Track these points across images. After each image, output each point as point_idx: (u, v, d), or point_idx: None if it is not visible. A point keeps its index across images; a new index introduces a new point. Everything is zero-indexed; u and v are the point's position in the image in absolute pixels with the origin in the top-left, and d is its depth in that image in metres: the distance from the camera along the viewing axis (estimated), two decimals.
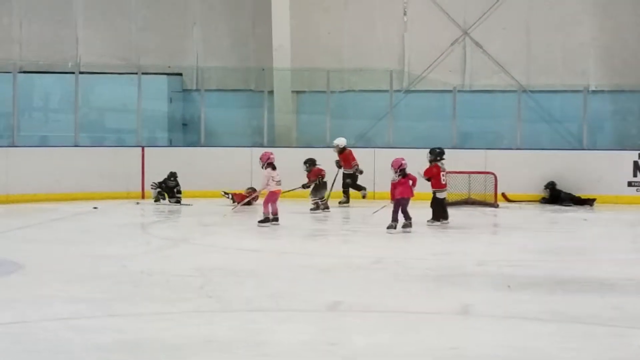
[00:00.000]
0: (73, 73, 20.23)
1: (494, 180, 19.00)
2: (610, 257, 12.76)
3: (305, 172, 17.71)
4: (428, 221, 15.40)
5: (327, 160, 18.43)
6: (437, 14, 22.39)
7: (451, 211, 18.06)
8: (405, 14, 22.62)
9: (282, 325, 8.24)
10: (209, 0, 22.86)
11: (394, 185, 14.76)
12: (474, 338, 7.83)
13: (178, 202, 18.28)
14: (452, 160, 19.31)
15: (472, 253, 12.88)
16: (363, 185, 18.80)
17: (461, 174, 19.07)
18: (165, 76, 22.03)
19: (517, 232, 15.55)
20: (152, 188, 18.60)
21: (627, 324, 8.33)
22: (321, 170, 17.73)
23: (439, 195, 15.62)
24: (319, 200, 17.40)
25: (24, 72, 21.30)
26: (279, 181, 15.20)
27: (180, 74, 22.57)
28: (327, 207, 17.53)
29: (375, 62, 22.10)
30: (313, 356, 7.21)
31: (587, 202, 19.24)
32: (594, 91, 21.47)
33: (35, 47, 22.38)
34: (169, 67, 22.27)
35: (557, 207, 19.09)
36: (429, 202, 15.68)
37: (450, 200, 18.81)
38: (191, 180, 18.67)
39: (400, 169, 14.70)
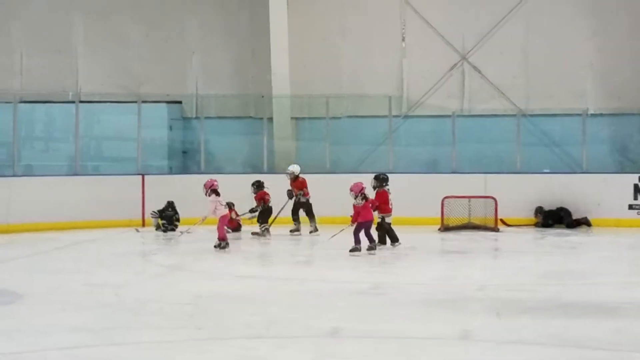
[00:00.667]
0: (73, 102, 20.30)
1: (494, 205, 19.01)
2: (611, 280, 12.74)
3: (253, 195, 17.89)
4: (373, 245, 15.23)
5: (324, 185, 18.52)
6: (435, 39, 22.48)
7: (452, 235, 18.16)
8: (403, 40, 22.71)
9: (280, 352, 8.24)
10: (208, 28, 22.98)
11: (357, 209, 14.91)
12: None
13: (174, 230, 18.37)
14: (452, 184, 19.43)
15: (473, 277, 12.87)
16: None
17: (461, 199, 19.09)
18: (165, 104, 22.09)
19: (518, 256, 15.54)
20: (152, 216, 18.63)
21: (629, 347, 8.33)
22: (266, 194, 17.83)
23: (388, 219, 15.82)
24: (263, 227, 17.56)
25: (25, 102, 21.36)
26: (225, 205, 15.70)
27: (180, 102, 22.63)
28: (269, 233, 17.60)
29: (374, 88, 22.17)
30: None
31: (583, 221, 19.31)
32: (592, 114, 21.51)
33: (36, 77, 22.47)
34: (169, 95, 22.34)
35: (558, 230, 19.08)
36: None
37: (450, 225, 18.87)
38: (191, 208, 18.64)
39: (361, 193, 14.93)
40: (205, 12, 22.91)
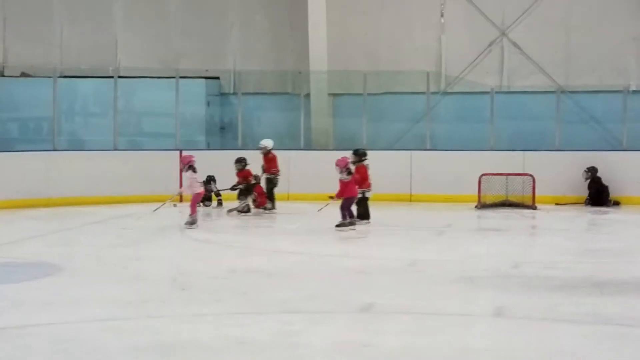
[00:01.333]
0: (112, 77, 20.42)
1: (532, 182, 18.89)
2: None
3: (236, 171, 17.75)
4: (351, 220, 15.22)
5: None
6: (475, 15, 22.31)
7: (489, 213, 18.08)
8: (442, 15, 22.56)
9: (315, 327, 8.26)
10: (247, 4, 22.96)
11: (344, 185, 14.95)
12: (508, 340, 7.80)
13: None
14: (490, 162, 19.33)
15: (509, 255, 12.82)
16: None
17: (499, 176, 18.99)
18: (203, 80, 22.15)
19: (554, 234, 15.45)
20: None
21: None
22: (250, 172, 17.71)
23: (368, 194, 15.80)
24: (244, 204, 17.43)
25: (64, 76, 21.53)
26: (201, 183, 15.81)
27: (218, 78, 22.68)
28: (249, 210, 17.49)
29: (412, 64, 22.06)
30: (345, 358, 7.23)
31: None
32: (634, 91, 21.27)
33: (75, 52, 22.61)
34: (207, 70, 22.38)
35: (596, 209, 18.93)
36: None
37: (487, 202, 18.79)
38: (229, 183, 18.73)
39: (346, 168, 14.95)
40: None
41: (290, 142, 21.14)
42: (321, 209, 15.85)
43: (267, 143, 18.11)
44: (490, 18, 22.23)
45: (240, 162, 17.76)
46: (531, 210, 18.51)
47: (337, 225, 14.90)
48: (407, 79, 21.93)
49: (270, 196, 17.90)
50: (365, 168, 15.78)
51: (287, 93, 22.50)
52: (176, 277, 10.74)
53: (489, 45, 22.24)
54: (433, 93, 21.55)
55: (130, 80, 21.34)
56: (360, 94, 21.19)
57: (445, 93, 22.16)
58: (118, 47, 22.78)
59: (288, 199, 19.22)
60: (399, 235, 14.93)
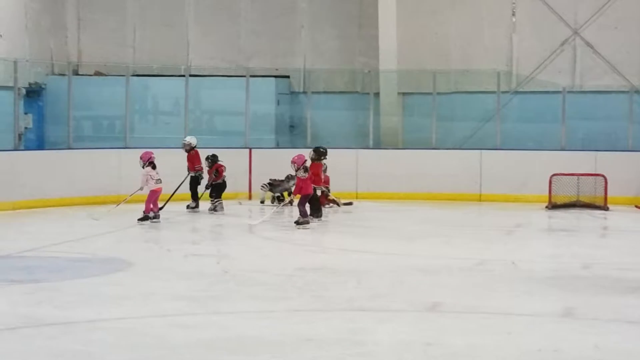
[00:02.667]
0: (183, 76, 20.62)
1: (604, 183, 18.60)
2: None
3: (207, 169, 17.37)
4: (308, 217, 15.20)
5: (429, 161, 18.37)
6: (547, 14, 22.02)
7: (559, 213, 17.85)
8: (513, 14, 22.32)
9: (381, 325, 8.25)
10: (317, 3, 23.00)
11: (301, 182, 15.06)
12: (576, 341, 7.70)
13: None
14: (561, 162, 19.09)
15: (579, 255, 12.65)
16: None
17: (570, 176, 18.74)
18: (273, 78, 22.22)
19: (626, 235, 15.22)
20: (262, 189, 18.74)
21: None
22: (221, 166, 17.38)
23: (318, 192, 15.93)
24: (216, 202, 17.13)
25: (137, 75, 21.80)
26: (159, 179, 15.62)
27: (288, 76, 22.75)
28: (223, 208, 17.17)
29: (483, 63, 21.86)
30: (410, 356, 7.20)
31: None
32: None
33: (148, 51, 22.88)
34: (277, 69, 22.48)
35: None
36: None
37: (558, 203, 18.55)
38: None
39: (303, 166, 15.09)
40: None
41: (359, 140, 21.11)
42: (280, 206, 16.50)
43: (191, 140, 17.76)
44: (562, 17, 21.93)
45: (207, 159, 17.41)
46: (603, 211, 18.22)
47: (301, 223, 14.89)
48: (477, 78, 21.76)
49: (194, 194, 17.54)
50: (320, 165, 16.00)
51: (356, 92, 22.48)
52: (227, 270, 10.80)
53: (561, 44, 21.94)
54: (503, 92, 21.33)
55: (201, 79, 21.53)
56: (430, 93, 21.08)
57: (516, 92, 21.93)
58: (189, 46, 23.00)
59: (357, 197, 19.20)
60: (467, 235, 14.82)
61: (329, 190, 18.16)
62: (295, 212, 15.60)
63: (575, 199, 18.76)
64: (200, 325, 8.15)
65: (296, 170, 15.22)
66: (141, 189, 15.80)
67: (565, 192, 18.74)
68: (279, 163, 18.72)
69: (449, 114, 21.41)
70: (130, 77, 20.39)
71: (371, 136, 20.88)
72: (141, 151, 16.14)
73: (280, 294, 9.60)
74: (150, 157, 15.76)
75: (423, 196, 19.35)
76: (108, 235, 14.61)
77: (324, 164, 16.25)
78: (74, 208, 16.47)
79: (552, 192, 18.67)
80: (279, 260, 12.04)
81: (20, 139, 18.89)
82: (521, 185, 19.28)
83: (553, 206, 18.55)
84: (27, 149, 19.46)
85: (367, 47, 22.15)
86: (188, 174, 17.64)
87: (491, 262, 11.87)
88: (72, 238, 13.86)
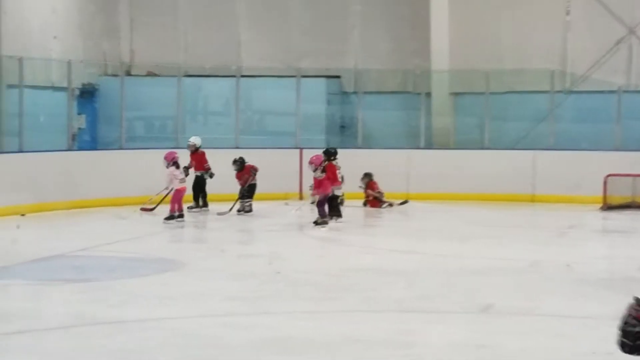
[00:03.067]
0: (234, 76, 20.68)
1: None
2: None
3: (235, 172, 17.08)
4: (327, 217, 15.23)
5: (481, 161, 18.20)
6: (601, 12, 21.72)
7: (614, 215, 17.60)
8: (568, 13, 22.06)
9: (431, 327, 8.18)
10: (369, 4, 22.92)
11: (318, 182, 15.02)
12: None
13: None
14: (616, 162, 18.81)
15: (635, 257, 12.42)
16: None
17: (626, 177, 18.46)
18: (324, 79, 22.19)
19: None
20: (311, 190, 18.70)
21: None
22: (253, 166, 17.17)
23: (337, 192, 15.81)
24: (246, 202, 16.88)
25: (188, 75, 21.91)
26: (183, 179, 15.81)
27: (339, 77, 22.71)
28: (252, 210, 16.96)
29: (536, 62, 21.63)
30: (460, 358, 7.13)
31: None
32: None
33: (199, 51, 22.97)
34: (328, 69, 22.45)
35: None
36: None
37: (613, 204, 18.29)
38: (348, 182, 18.72)
39: (320, 166, 15.07)
40: None
41: (410, 141, 21.02)
42: (299, 208, 16.21)
43: (195, 140, 17.56)
44: (617, 15, 21.63)
45: (235, 163, 17.22)
46: None
47: (318, 223, 14.89)
48: (530, 78, 21.52)
49: (197, 196, 17.31)
50: (334, 166, 15.93)
51: (407, 92, 22.36)
52: (278, 270, 10.80)
53: (616, 43, 21.63)
54: (557, 92, 21.10)
55: (252, 80, 21.56)
56: (483, 93, 20.91)
57: (570, 92, 21.66)
58: (241, 47, 23.06)
59: (408, 198, 19.10)
60: (519, 236, 14.67)
61: (382, 195, 18.15)
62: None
63: (630, 200, 18.49)
64: (250, 325, 8.15)
65: (314, 171, 15.21)
66: (167, 188, 15.96)
67: (620, 193, 18.47)
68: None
69: (502, 114, 21.21)
70: (182, 78, 20.51)
71: (423, 136, 20.78)
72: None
73: (329, 294, 9.57)
74: (174, 157, 15.94)
75: (475, 197, 19.20)
76: (160, 235, 14.71)
77: (337, 164, 16.12)
78: (126, 208, 16.58)
79: (606, 193, 18.42)
80: (329, 261, 12.02)
81: (73, 139, 19.08)
82: (575, 186, 19.02)
83: (608, 207, 18.29)
84: (80, 149, 19.63)
85: (419, 47, 22.02)
86: (202, 174, 17.40)
87: (544, 264, 11.72)
88: (125, 238, 13.96)
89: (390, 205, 18.11)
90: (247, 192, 16.97)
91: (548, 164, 19.57)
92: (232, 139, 20.12)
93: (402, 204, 18.34)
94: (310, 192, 18.49)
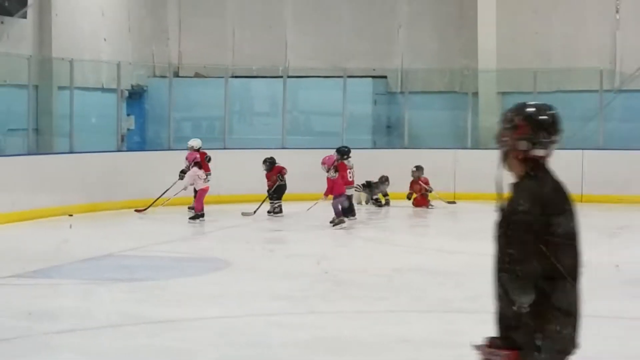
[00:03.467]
0: (281, 77, 20.74)
1: None
2: None
3: (265, 172, 16.88)
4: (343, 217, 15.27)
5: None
6: None
7: None
8: (617, 11, 21.84)
9: (480, 327, 8.08)
10: (416, 4, 22.87)
11: (330, 183, 14.99)
12: None
13: (385, 204, 18.42)
14: None
15: None
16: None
17: None
18: (370, 79, 22.18)
19: None
20: (356, 190, 18.70)
21: None
22: (282, 168, 17.00)
23: (348, 192, 15.81)
24: (276, 204, 16.70)
25: (236, 76, 22.03)
26: (205, 178, 15.95)
27: (385, 77, 22.69)
28: (282, 211, 16.79)
29: (585, 61, 21.44)
30: None
31: None
32: None
33: (247, 53, 23.08)
34: (374, 69, 22.43)
35: None
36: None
37: None
38: (395, 182, 18.72)
39: (333, 166, 15.05)
40: None
41: (457, 141, 20.93)
42: (310, 208, 15.88)
43: (193, 143, 17.00)
44: None
45: (265, 162, 16.99)
46: None
47: (335, 224, 14.88)
48: (579, 77, 21.33)
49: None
50: (345, 165, 15.94)
51: (454, 92, 22.27)
52: (327, 270, 10.82)
53: None
54: (606, 91, 20.89)
55: (299, 80, 21.62)
56: (531, 92, 20.76)
57: (620, 91, 21.44)
58: (288, 47, 23.13)
59: (454, 198, 19.03)
60: None
61: (430, 190, 18.12)
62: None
63: None
64: (298, 325, 8.18)
65: (327, 171, 15.20)
66: (185, 189, 16.07)
67: None
68: (376, 164, 18.71)
69: None
70: (229, 79, 20.61)
71: (469, 136, 20.69)
72: (241, 151, 16.35)
73: (377, 294, 9.57)
74: (196, 158, 16.11)
75: None
76: (210, 234, 14.82)
77: (349, 162, 16.17)
78: (174, 208, 16.70)
79: None
80: (377, 261, 12.01)
81: (122, 140, 19.28)
82: (625, 186, 18.84)
83: None
84: (129, 149, 19.83)
85: (466, 47, 21.93)
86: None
87: (593, 265, 11.54)
88: (173, 238, 14.08)
89: (444, 202, 18.07)
90: (275, 193, 16.85)
91: (597, 164, 19.38)
92: (279, 140, 20.18)
93: (449, 203, 18.28)
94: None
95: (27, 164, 16.12)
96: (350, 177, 16.17)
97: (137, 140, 21.29)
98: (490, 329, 8.08)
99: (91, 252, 12.38)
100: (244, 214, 16.58)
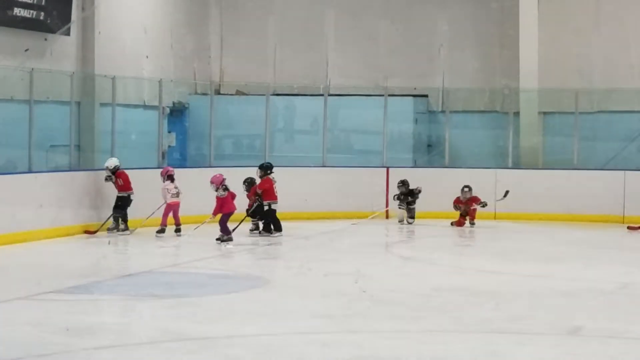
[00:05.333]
0: (322, 95, 20.78)
1: None
2: None
3: (245, 193, 16.53)
4: (260, 232, 15.92)
5: (570, 181, 17.98)
6: None
7: None
8: None
9: (520, 348, 8.08)
10: (457, 22, 22.82)
11: (220, 201, 15.06)
12: None
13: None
14: None
15: None
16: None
17: None
18: (411, 97, 22.14)
19: None
20: (400, 207, 18.62)
21: None
22: (256, 190, 16.49)
23: (274, 206, 16.01)
24: (259, 221, 16.51)
25: (277, 94, 22.11)
26: (176, 193, 15.99)
27: (427, 95, 22.64)
28: (258, 228, 16.54)
29: (627, 82, 21.25)
30: None
31: None
32: None
33: (288, 71, 23.16)
34: (415, 88, 22.39)
35: None
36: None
37: None
38: (435, 201, 18.66)
39: (222, 185, 15.10)
40: (455, 6, 22.74)
41: (498, 160, 20.83)
42: (197, 227, 15.78)
43: (110, 163, 16.24)
44: None
45: (244, 183, 16.64)
46: None
47: (222, 240, 14.94)
48: (621, 97, 21.17)
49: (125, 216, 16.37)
50: (270, 180, 16.06)
51: (495, 111, 22.17)
52: (365, 289, 10.80)
53: None
54: None
55: (340, 98, 21.63)
56: (572, 113, 20.64)
57: None
58: (329, 65, 23.18)
59: (495, 218, 18.94)
60: (609, 257, 14.41)
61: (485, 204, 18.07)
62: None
63: None
64: (337, 344, 8.15)
65: (216, 190, 15.20)
66: (159, 208, 16.13)
67: None
68: (417, 183, 18.64)
69: (592, 134, 20.91)
70: (270, 97, 20.69)
71: (510, 156, 20.58)
72: (282, 169, 16.57)
73: (416, 313, 9.53)
74: (168, 171, 16.29)
75: (563, 217, 18.92)
76: (247, 252, 14.84)
77: (273, 178, 16.20)
78: (214, 225, 16.74)
79: None
80: (416, 280, 11.96)
81: (163, 156, 19.39)
82: None
83: None
84: (170, 166, 19.95)
85: (508, 67, 21.84)
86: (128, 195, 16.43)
87: (635, 286, 11.50)
88: (213, 255, 14.12)
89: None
90: (253, 213, 16.56)
91: (639, 185, 19.19)
92: (320, 158, 20.21)
93: (504, 196, 18.29)
94: (399, 209, 18.47)
95: (69, 179, 16.24)
96: (275, 192, 16.09)
97: (178, 157, 21.40)
98: (529, 350, 8.05)
99: (131, 268, 12.45)
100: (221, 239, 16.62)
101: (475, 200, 18.12)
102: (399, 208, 18.56)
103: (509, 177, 19.75)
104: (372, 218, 18.30)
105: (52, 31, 17.59)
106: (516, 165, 20.50)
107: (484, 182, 19.25)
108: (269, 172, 16.33)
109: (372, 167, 20.08)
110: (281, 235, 16.02)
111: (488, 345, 8.12)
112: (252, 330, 8.70)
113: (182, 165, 20.94)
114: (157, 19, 21.29)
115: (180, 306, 9.92)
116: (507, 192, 18.28)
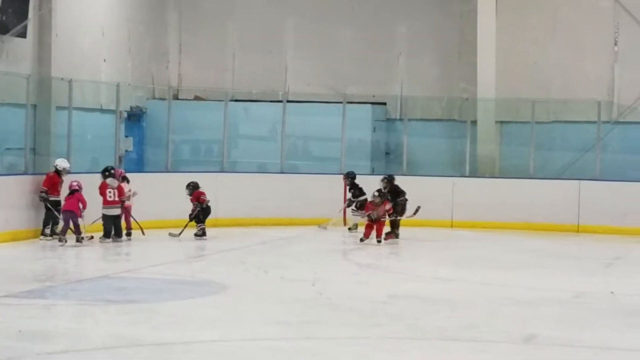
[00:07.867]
0: (281, 101, 20.78)
1: None
2: None
3: (188, 197, 16.67)
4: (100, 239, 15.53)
5: (525, 189, 18.05)
6: None
7: None
8: (616, 43, 21.92)
9: (475, 356, 8.13)
10: (416, 31, 22.94)
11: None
12: None
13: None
14: None
15: None
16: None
17: None
18: (369, 105, 22.22)
19: None
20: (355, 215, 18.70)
21: None
22: (202, 193, 16.72)
23: (105, 212, 15.74)
24: (204, 226, 16.60)
25: (235, 100, 22.05)
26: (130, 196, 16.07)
27: (385, 103, 22.73)
28: (205, 234, 16.59)
29: (583, 92, 21.48)
30: None
31: None
32: None
33: (247, 77, 23.11)
34: (374, 96, 22.47)
35: None
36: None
37: None
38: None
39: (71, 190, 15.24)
40: (415, 14, 22.85)
41: (455, 168, 20.97)
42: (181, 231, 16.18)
43: (61, 162, 16.18)
44: None
45: (187, 187, 16.73)
46: None
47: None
48: (577, 108, 21.39)
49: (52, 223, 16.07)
50: (105, 185, 15.81)
51: (453, 119, 22.31)
52: (321, 295, 10.81)
53: None
54: (604, 122, 20.93)
55: (299, 105, 21.63)
56: (529, 122, 20.83)
57: (617, 122, 21.48)
58: (288, 72, 23.18)
59: (452, 226, 19.06)
60: (565, 266, 14.55)
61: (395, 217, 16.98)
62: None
63: None
64: (293, 351, 8.15)
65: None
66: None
67: None
68: (374, 190, 18.66)
69: (548, 143, 21.12)
70: (229, 102, 20.64)
71: (468, 164, 20.72)
72: (239, 175, 16.42)
73: (373, 320, 9.55)
74: (122, 173, 16.43)
75: (519, 226, 19.09)
76: (204, 257, 14.78)
77: (110, 183, 15.88)
78: (171, 230, 16.67)
79: None
80: (372, 287, 11.99)
81: (120, 161, 19.24)
82: (621, 217, 18.86)
83: None
84: (127, 171, 19.75)
85: (466, 74, 21.99)
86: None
87: (590, 295, 11.61)
88: (170, 260, 14.05)
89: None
90: (196, 217, 16.63)
91: (594, 194, 19.41)
92: (278, 164, 20.20)
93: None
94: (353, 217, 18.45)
95: (23, 183, 16.08)
96: (109, 197, 15.78)
97: (135, 162, 21.26)
98: (485, 357, 8.09)
99: (86, 273, 12.34)
100: (170, 234, 16.62)
101: (388, 209, 16.56)
102: (353, 215, 18.53)
103: (466, 186, 19.90)
104: (331, 225, 18.31)
105: (6, 30, 17.32)
106: (473, 174, 20.64)
107: (442, 190, 19.36)
108: (108, 174, 15.96)
109: (330, 174, 20.09)
110: (121, 241, 15.75)
111: (444, 352, 8.16)
112: (209, 336, 8.67)
113: (139, 170, 20.81)
114: (115, 22, 21.12)
115: (136, 312, 9.85)
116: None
